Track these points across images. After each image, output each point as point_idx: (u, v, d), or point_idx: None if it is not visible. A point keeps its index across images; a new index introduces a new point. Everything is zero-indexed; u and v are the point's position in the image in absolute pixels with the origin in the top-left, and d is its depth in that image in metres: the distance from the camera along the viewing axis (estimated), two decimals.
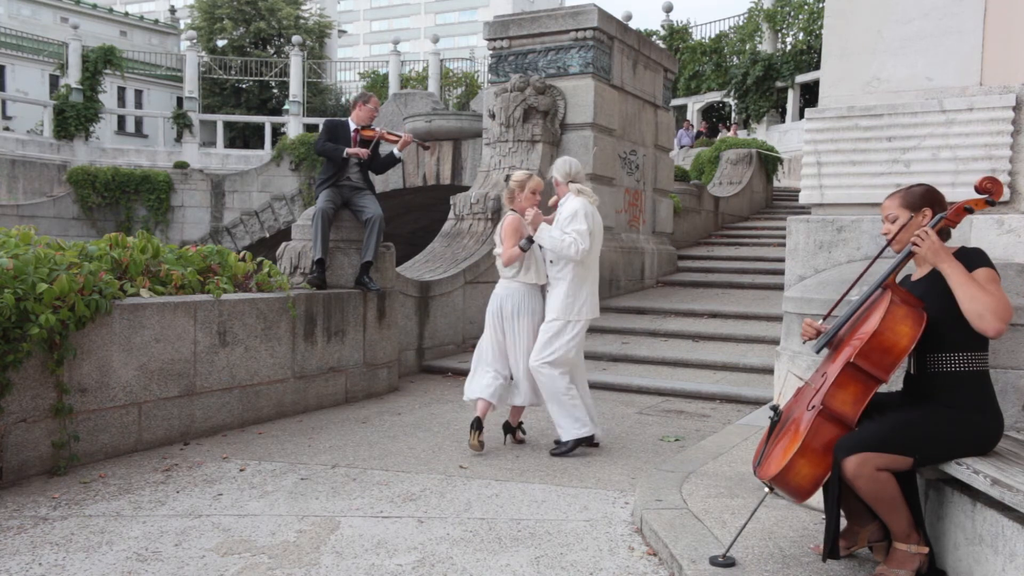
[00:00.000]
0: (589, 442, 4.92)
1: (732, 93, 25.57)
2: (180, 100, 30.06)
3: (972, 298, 2.65)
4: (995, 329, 2.63)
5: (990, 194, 2.84)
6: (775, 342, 6.50)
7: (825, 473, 2.76)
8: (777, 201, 17.62)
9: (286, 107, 29.45)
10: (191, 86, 28.15)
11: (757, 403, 6.32)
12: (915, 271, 2.94)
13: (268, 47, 35.69)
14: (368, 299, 6.62)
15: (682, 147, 21.98)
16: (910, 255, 2.85)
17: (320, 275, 6.25)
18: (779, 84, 24.34)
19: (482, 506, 3.93)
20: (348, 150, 6.38)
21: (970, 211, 2.86)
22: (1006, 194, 3.47)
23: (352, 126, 6.49)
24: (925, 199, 2.88)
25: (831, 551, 2.80)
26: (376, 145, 6.57)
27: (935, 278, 2.80)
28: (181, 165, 22.69)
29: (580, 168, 4.98)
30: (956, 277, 2.70)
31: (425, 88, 26.05)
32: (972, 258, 2.78)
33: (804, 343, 3.11)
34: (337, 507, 3.88)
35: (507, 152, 9.83)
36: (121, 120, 32.83)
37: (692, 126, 25.11)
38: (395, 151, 6.61)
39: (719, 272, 11.57)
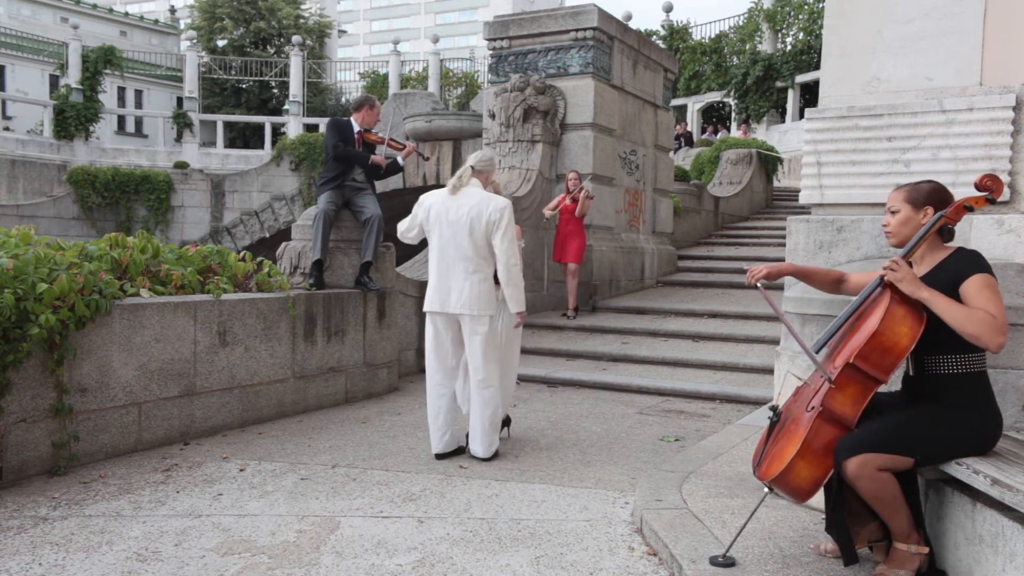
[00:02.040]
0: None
1: (732, 93, 25.58)
2: (180, 100, 30.08)
3: (961, 322, 2.62)
4: (996, 345, 2.60)
5: (990, 191, 2.81)
6: (775, 342, 6.50)
7: (825, 474, 2.76)
8: (777, 201, 17.63)
9: (286, 107, 29.47)
10: (191, 86, 28.16)
11: (757, 403, 6.32)
12: (914, 268, 2.91)
13: (268, 47, 35.70)
14: (368, 299, 6.61)
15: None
16: (882, 281, 2.81)
17: (318, 276, 6.25)
18: (779, 84, 24.35)
19: (482, 506, 3.93)
20: (374, 157, 6.41)
21: (970, 209, 2.83)
22: (1006, 194, 3.47)
23: (356, 127, 6.49)
24: (930, 197, 2.84)
25: (851, 555, 2.79)
26: (374, 149, 6.60)
27: (935, 277, 2.78)
28: (181, 165, 22.70)
29: (485, 157, 4.78)
30: (938, 304, 2.67)
31: (425, 88, 26.07)
32: (966, 263, 2.75)
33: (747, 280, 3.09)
34: (337, 507, 3.88)
35: (507, 152, 9.84)
36: (121, 120, 32.85)
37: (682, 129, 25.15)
38: (399, 159, 6.64)
39: (719, 272, 11.57)
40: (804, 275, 3.18)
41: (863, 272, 3.12)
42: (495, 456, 4.75)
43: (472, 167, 4.70)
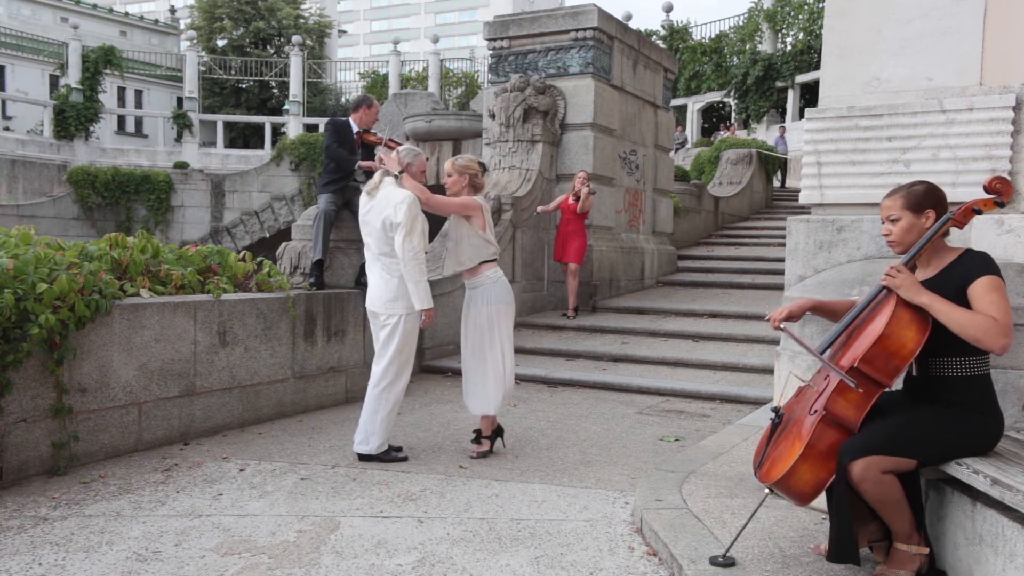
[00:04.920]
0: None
1: (732, 93, 25.60)
2: (180, 100, 30.10)
3: (962, 326, 2.60)
4: (999, 347, 2.57)
5: (999, 194, 2.77)
6: (775, 342, 6.50)
7: (828, 477, 2.75)
8: (777, 201, 17.65)
9: (286, 107, 29.49)
10: (191, 86, 28.18)
11: (757, 403, 6.32)
12: (919, 272, 2.90)
13: (268, 47, 35.71)
14: None
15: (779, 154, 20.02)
16: (887, 289, 2.79)
17: (319, 276, 6.25)
18: (779, 84, 24.35)
19: (482, 506, 3.93)
20: (361, 163, 6.41)
21: (978, 212, 2.80)
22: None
23: (354, 128, 6.49)
24: (929, 199, 2.81)
25: (852, 554, 2.78)
26: (373, 149, 6.61)
27: (944, 280, 2.76)
28: (181, 165, 22.71)
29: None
30: (939, 309, 2.65)
31: (425, 88, 26.08)
32: (974, 265, 2.72)
33: (768, 321, 3.11)
34: (337, 507, 3.88)
35: (507, 152, 9.83)
36: (121, 120, 32.85)
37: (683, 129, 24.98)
38: None
39: (719, 272, 11.58)
40: (822, 308, 3.14)
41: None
42: (382, 454, 4.65)
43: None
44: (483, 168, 4.98)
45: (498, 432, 4.91)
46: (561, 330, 8.93)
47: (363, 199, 4.72)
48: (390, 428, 4.71)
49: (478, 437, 4.86)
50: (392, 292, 4.58)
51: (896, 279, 2.72)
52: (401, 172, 4.65)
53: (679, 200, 13.22)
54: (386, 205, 4.53)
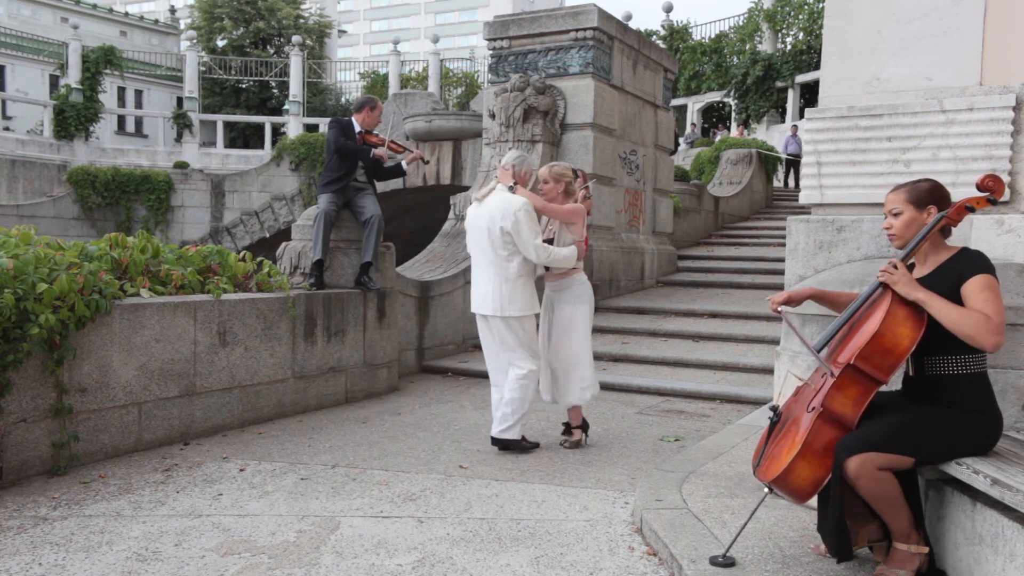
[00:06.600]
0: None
1: (732, 93, 25.60)
2: (180, 100, 30.10)
3: (956, 323, 2.62)
4: (992, 344, 2.60)
5: (992, 192, 2.81)
6: (775, 342, 6.49)
7: (825, 475, 2.76)
8: (777, 201, 17.64)
9: (286, 107, 29.49)
10: (191, 86, 28.18)
11: (757, 403, 6.32)
12: (916, 269, 2.92)
13: (268, 47, 35.73)
14: (368, 299, 6.61)
15: (790, 154, 19.65)
16: (883, 287, 2.82)
17: (319, 276, 6.25)
18: (779, 84, 24.35)
19: (482, 506, 3.93)
20: (376, 151, 6.41)
21: (971, 210, 2.83)
22: (1006, 194, 3.47)
23: (357, 128, 6.48)
24: (931, 196, 2.84)
25: (845, 551, 2.80)
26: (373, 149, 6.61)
27: (938, 277, 2.78)
28: (181, 165, 22.70)
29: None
30: (934, 306, 2.67)
31: (425, 88, 26.08)
32: (969, 264, 2.74)
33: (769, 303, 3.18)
34: (337, 507, 3.88)
35: (507, 152, 9.82)
36: (121, 120, 32.86)
37: (690, 130, 24.93)
38: (404, 164, 6.65)
39: (719, 272, 11.57)
40: (822, 298, 3.20)
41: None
42: (512, 444, 4.86)
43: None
44: (575, 175, 5.23)
45: (583, 426, 5.15)
46: None
47: (472, 207, 4.94)
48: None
49: (568, 428, 5.08)
50: (506, 295, 4.79)
51: (893, 275, 2.74)
52: (515, 183, 4.88)
53: (679, 200, 13.22)
54: (499, 212, 4.73)
